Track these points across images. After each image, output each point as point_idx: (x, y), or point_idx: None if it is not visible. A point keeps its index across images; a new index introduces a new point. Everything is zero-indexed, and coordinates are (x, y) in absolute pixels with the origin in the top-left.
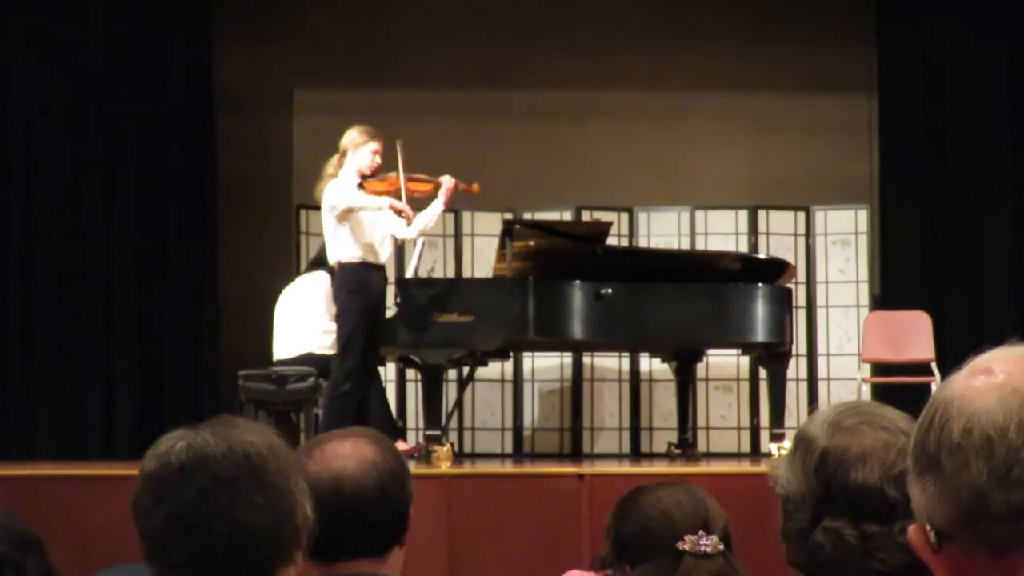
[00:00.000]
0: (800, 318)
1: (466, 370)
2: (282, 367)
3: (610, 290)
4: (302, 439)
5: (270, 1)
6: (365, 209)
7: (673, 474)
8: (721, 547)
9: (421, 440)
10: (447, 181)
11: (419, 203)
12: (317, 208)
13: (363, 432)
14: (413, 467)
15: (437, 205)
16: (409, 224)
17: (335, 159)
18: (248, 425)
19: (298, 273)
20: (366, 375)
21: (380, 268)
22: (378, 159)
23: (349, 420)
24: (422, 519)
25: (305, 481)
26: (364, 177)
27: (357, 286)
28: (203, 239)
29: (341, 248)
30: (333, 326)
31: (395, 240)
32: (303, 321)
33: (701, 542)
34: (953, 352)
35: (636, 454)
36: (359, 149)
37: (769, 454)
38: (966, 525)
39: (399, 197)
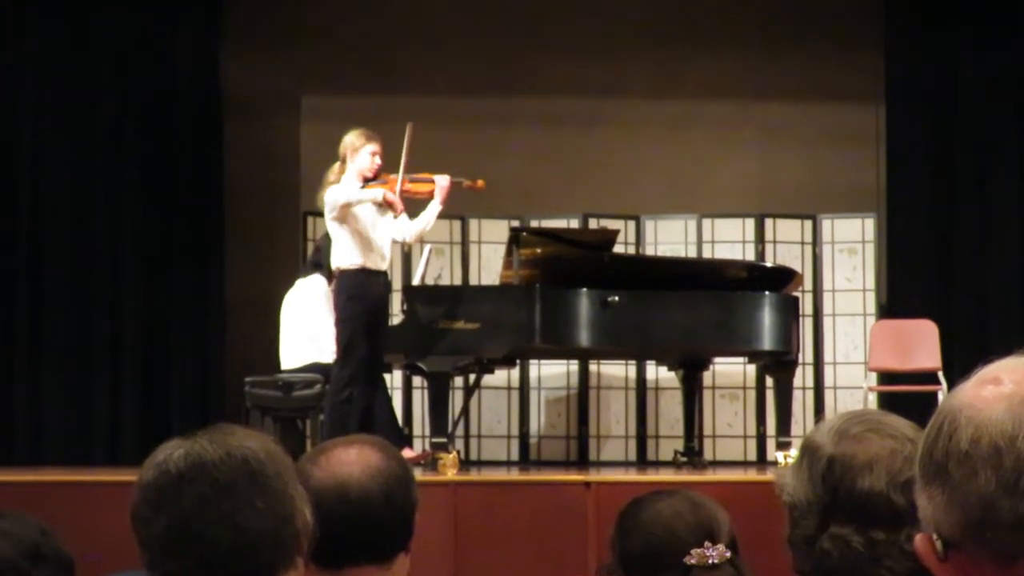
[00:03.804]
0: (807, 326)
1: (472, 377)
2: (288, 374)
3: (617, 298)
4: (308, 446)
5: (278, 8)
6: (362, 202)
7: (679, 482)
8: (728, 554)
9: (427, 447)
10: (441, 180)
11: (422, 204)
12: (324, 215)
13: (368, 439)
14: (419, 474)
15: (434, 206)
16: (396, 216)
17: (336, 166)
18: (245, 431)
19: None
20: (370, 382)
21: (381, 274)
22: (378, 160)
23: (351, 427)
24: (428, 526)
25: (311, 488)
26: (366, 180)
27: (357, 292)
28: (210, 245)
29: (342, 253)
30: (328, 338)
31: (401, 246)
32: (307, 330)
33: (708, 553)
34: (960, 361)
35: (642, 462)
36: (358, 153)
37: (775, 462)
38: (973, 534)
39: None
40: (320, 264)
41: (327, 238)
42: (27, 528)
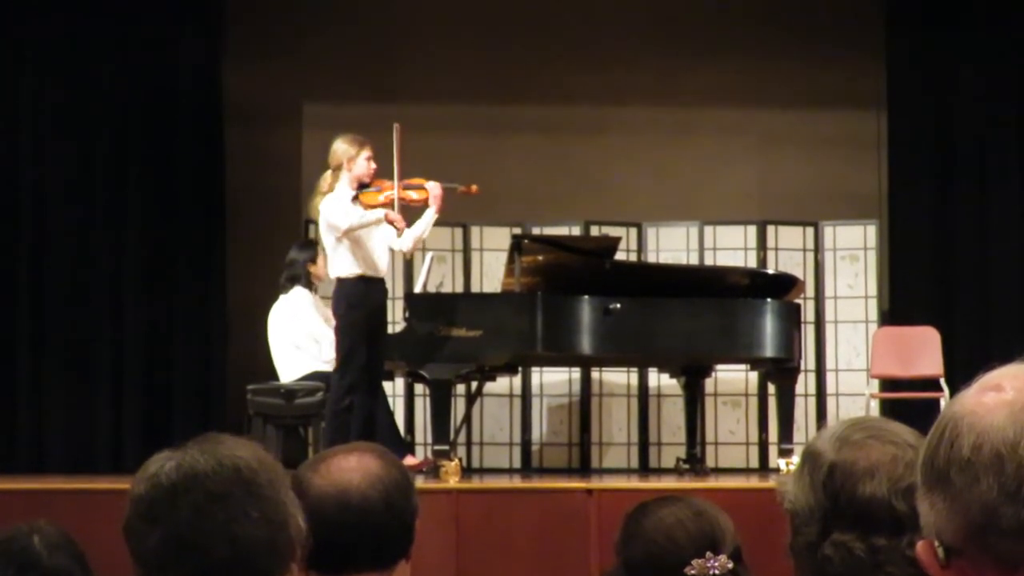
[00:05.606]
0: (809, 333)
1: (474, 385)
2: (290, 382)
3: (618, 305)
4: (310, 453)
5: (280, 15)
6: (366, 226)
7: (681, 489)
8: (730, 565)
9: (429, 455)
10: (433, 188)
11: (416, 212)
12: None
13: (368, 446)
14: (421, 482)
15: (429, 214)
16: (400, 234)
17: (328, 175)
18: (234, 440)
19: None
20: (370, 390)
21: (379, 281)
22: (373, 164)
23: (352, 435)
24: (430, 534)
25: (311, 495)
26: (362, 186)
27: (356, 301)
28: (212, 252)
29: (340, 263)
30: (328, 342)
31: (396, 253)
32: (299, 341)
33: (709, 564)
34: (962, 368)
35: (644, 469)
36: (355, 161)
37: (777, 469)
38: (975, 541)
39: (393, 204)
40: (296, 278)
41: (298, 249)
42: (68, 539)
